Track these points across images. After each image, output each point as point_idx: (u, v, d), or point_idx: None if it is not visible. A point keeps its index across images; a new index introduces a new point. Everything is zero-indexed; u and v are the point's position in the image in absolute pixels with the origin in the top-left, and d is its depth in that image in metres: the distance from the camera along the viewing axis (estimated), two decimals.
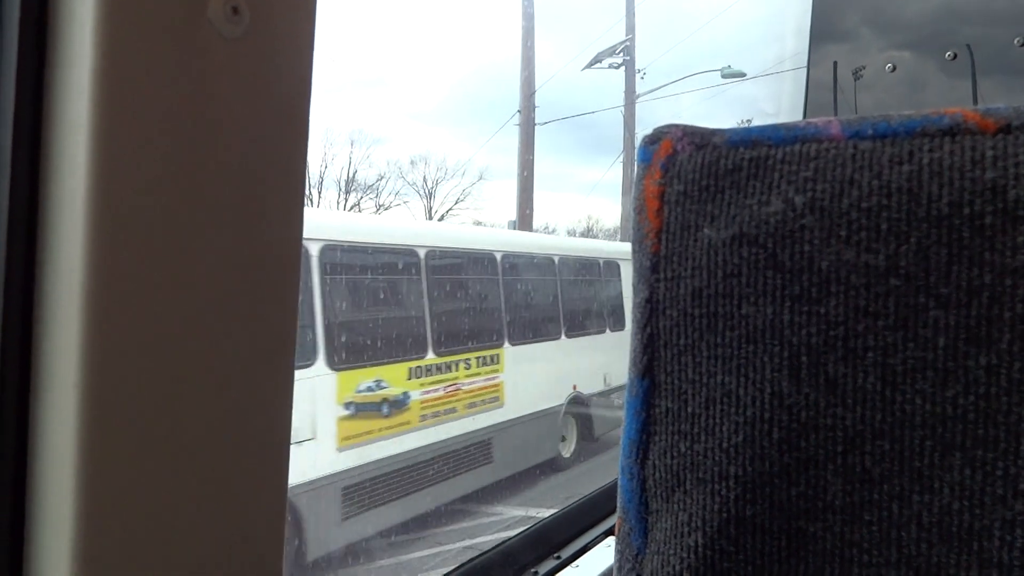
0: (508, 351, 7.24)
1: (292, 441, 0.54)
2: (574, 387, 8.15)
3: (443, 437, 6.42)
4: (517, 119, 15.13)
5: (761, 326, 0.41)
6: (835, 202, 0.39)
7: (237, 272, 0.50)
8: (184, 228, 0.46)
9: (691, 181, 0.43)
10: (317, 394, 5.25)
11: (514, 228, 15.32)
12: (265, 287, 0.51)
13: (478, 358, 6.93)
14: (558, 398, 7.93)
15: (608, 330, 8.86)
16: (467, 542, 6.17)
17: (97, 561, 0.44)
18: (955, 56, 1.80)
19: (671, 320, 0.44)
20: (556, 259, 8.18)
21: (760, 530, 0.42)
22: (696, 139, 0.44)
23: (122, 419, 0.45)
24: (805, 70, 2.04)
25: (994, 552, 0.37)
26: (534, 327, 7.74)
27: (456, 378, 6.63)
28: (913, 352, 0.38)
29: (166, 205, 0.45)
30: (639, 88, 17.76)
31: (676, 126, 0.45)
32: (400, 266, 6.28)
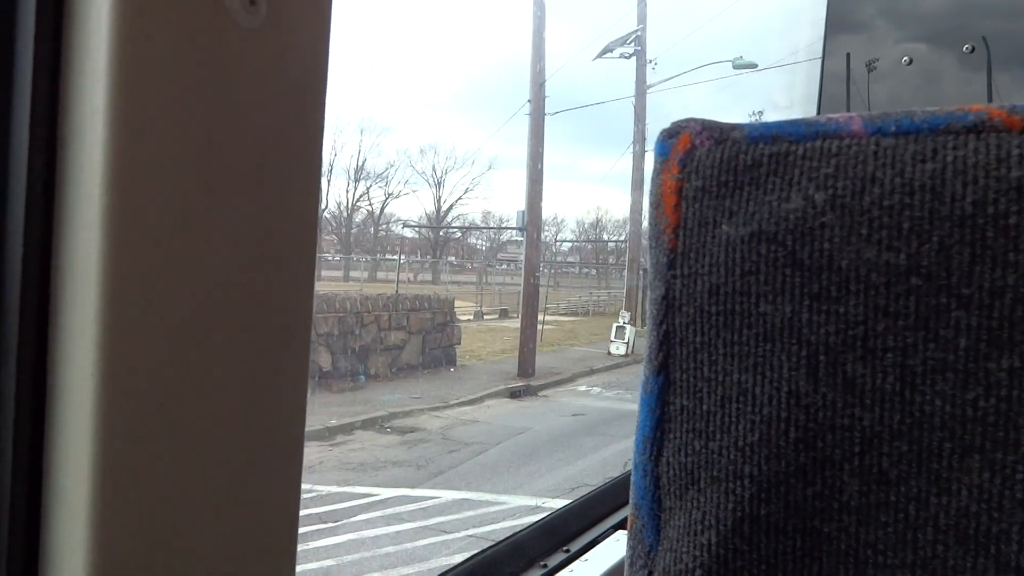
0: None
1: None
2: None
3: None
4: (527, 109, 15.12)
5: (779, 324, 0.40)
6: (856, 200, 0.39)
7: (252, 262, 0.49)
8: (200, 219, 0.46)
9: (710, 177, 0.43)
10: None
11: (523, 218, 15.32)
12: (280, 279, 0.51)
13: None
14: None
15: None
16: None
17: (112, 556, 0.44)
18: (972, 49, 1.78)
19: (687, 317, 0.43)
20: None
21: (774, 529, 0.41)
22: (715, 134, 0.43)
23: (138, 415, 0.45)
24: (819, 61, 2.03)
25: (1012, 556, 0.37)
26: None
27: None
28: (933, 353, 0.37)
29: (182, 196, 0.45)
30: (650, 78, 17.74)
31: (694, 120, 0.45)
32: None
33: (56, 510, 0.45)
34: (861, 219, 0.38)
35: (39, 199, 0.44)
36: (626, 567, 0.48)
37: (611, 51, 17.61)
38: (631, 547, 0.48)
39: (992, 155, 0.37)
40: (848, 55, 1.96)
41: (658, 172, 0.45)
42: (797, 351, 0.40)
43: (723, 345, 0.42)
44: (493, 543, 1.42)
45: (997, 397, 0.36)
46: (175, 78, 0.44)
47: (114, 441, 0.44)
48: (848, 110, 1.89)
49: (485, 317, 24.02)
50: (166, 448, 0.46)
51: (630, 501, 0.48)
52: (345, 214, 36.09)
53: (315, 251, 0.53)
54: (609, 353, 17.17)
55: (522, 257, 16.02)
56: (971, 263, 0.36)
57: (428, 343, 14.06)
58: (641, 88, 17.58)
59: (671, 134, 0.45)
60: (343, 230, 36.32)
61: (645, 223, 0.47)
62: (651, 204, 0.45)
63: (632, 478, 0.47)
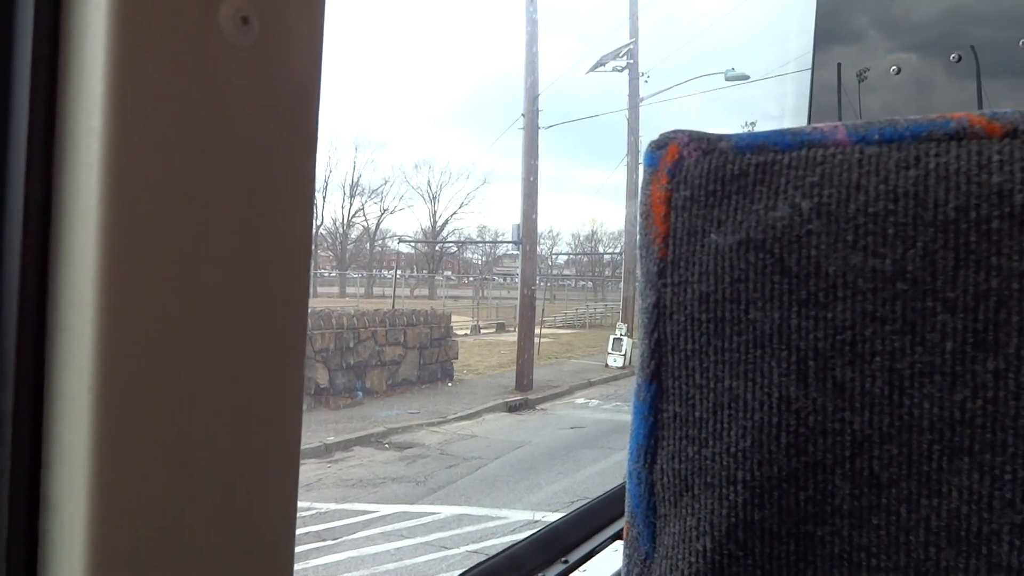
0: None
1: None
2: None
3: None
4: (521, 123, 15.17)
5: (768, 331, 0.41)
6: (842, 207, 0.39)
7: (247, 277, 0.50)
8: (195, 234, 0.47)
9: (698, 186, 0.43)
10: None
11: (519, 232, 15.37)
12: (275, 291, 0.52)
13: None
14: None
15: None
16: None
17: (110, 561, 0.45)
18: (959, 58, 1.79)
19: (678, 325, 0.44)
20: None
21: (768, 534, 0.42)
22: (703, 144, 0.44)
23: (135, 422, 0.45)
24: (809, 72, 2.04)
25: (1003, 556, 0.37)
26: None
27: None
28: (920, 356, 0.38)
29: (177, 211, 0.46)
30: (643, 91, 17.83)
31: (682, 131, 0.46)
32: None
33: (54, 518, 0.45)
34: (847, 226, 0.39)
35: (35, 216, 0.44)
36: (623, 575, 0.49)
37: (604, 65, 17.69)
38: (627, 555, 0.48)
39: (973, 161, 0.37)
40: (839, 65, 1.98)
41: (647, 183, 0.46)
42: (787, 357, 0.40)
43: (714, 352, 0.43)
44: (491, 556, 1.42)
45: (984, 399, 0.37)
46: (168, 96, 0.45)
47: (111, 450, 0.44)
48: (839, 119, 1.90)
49: (482, 331, 24.01)
50: (162, 458, 0.47)
51: (625, 509, 0.48)
52: (341, 230, 36.13)
53: (309, 266, 0.54)
54: (606, 365, 17.17)
55: (518, 271, 16.03)
56: (955, 267, 0.37)
57: (425, 358, 14.05)
58: (634, 101, 17.66)
59: (659, 145, 0.46)
60: (339, 246, 36.33)
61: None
62: (641, 214, 0.46)
63: (627, 486, 0.48)
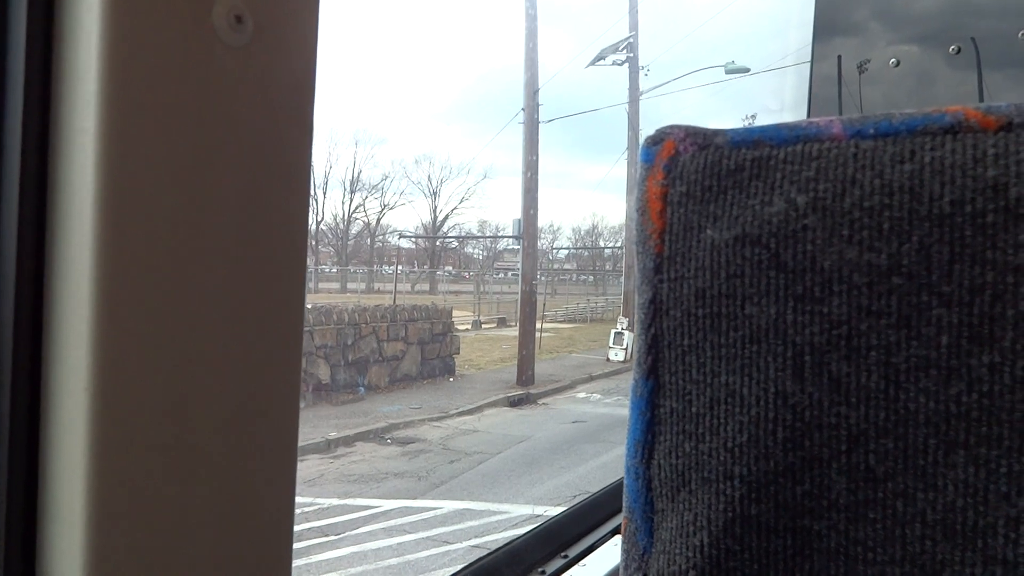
0: None
1: None
2: None
3: None
4: (521, 117, 15.14)
5: (764, 326, 0.41)
6: (837, 201, 0.39)
7: (244, 275, 0.50)
8: (191, 233, 0.47)
9: (694, 182, 0.43)
10: None
11: (519, 227, 15.37)
12: (271, 290, 0.52)
13: None
14: None
15: None
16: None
17: (108, 561, 0.45)
18: (959, 50, 1.79)
19: (675, 321, 0.44)
20: None
21: (765, 529, 0.42)
22: (698, 140, 0.44)
23: (132, 421, 0.45)
24: (809, 65, 2.04)
25: (998, 549, 0.37)
26: None
27: None
28: (916, 350, 0.38)
29: (173, 211, 0.46)
30: (643, 85, 17.79)
31: (678, 127, 0.46)
32: None
33: (52, 514, 0.45)
34: (842, 220, 0.39)
35: (31, 215, 0.44)
36: (621, 570, 0.49)
37: (604, 58, 17.67)
38: (625, 550, 0.48)
39: (968, 155, 0.37)
40: (839, 57, 1.97)
41: (643, 178, 0.46)
42: (783, 352, 0.40)
43: (710, 347, 0.43)
44: (492, 551, 1.42)
45: (979, 392, 0.37)
46: (163, 96, 0.45)
47: (108, 448, 0.44)
48: (840, 112, 1.90)
49: (483, 326, 24.01)
50: (160, 455, 0.47)
51: (623, 504, 0.48)
52: (341, 226, 36.13)
53: (305, 263, 0.54)
54: (608, 359, 17.18)
55: (519, 265, 16.03)
56: (950, 261, 0.37)
57: (426, 353, 14.06)
58: (634, 95, 17.63)
59: (655, 141, 0.46)
60: (340, 242, 36.33)
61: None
62: (637, 210, 0.46)
63: (624, 482, 0.48)
